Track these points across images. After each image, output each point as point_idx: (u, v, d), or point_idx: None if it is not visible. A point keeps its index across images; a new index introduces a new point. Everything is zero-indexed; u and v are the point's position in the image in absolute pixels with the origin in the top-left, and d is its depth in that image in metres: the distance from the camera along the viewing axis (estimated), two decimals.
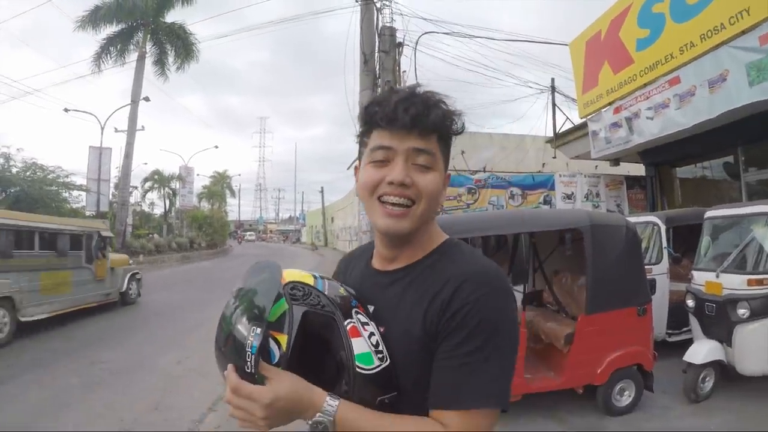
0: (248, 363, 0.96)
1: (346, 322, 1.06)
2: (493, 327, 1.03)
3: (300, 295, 1.06)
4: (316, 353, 1.08)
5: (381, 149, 1.13)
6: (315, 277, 1.13)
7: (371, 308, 1.17)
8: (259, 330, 0.96)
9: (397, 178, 1.09)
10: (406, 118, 1.08)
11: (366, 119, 1.18)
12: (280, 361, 1.00)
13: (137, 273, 13.21)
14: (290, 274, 1.11)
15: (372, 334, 1.08)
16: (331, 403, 1.00)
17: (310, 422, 1.00)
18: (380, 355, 1.07)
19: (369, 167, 1.15)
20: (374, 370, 1.05)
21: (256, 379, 0.98)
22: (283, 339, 1.01)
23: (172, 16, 26.56)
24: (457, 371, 1.01)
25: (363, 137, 1.20)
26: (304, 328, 1.03)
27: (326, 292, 1.09)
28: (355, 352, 1.04)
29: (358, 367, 1.03)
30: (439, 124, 1.12)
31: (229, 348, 1.02)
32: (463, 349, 1.01)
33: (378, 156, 1.13)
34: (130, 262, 14.10)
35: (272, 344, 1.01)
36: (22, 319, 8.67)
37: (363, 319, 1.10)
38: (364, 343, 1.06)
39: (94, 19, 23.97)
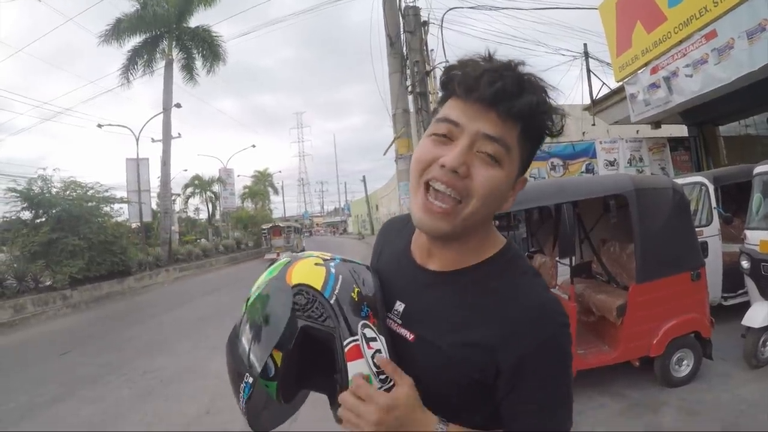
0: (239, 401, 1.04)
1: (346, 342, 0.97)
2: (558, 373, 0.99)
3: (303, 303, 0.99)
4: (323, 358, 1.02)
5: (446, 122, 0.95)
6: (327, 276, 1.03)
7: (401, 306, 1.07)
8: (250, 380, 1.00)
9: (450, 162, 0.91)
10: (488, 90, 0.90)
11: (443, 83, 0.99)
12: (276, 377, 1.00)
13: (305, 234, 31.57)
14: (299, 272, 1.03)
15: (378, 351, 0.99)
16: (442, 426, 0.96)
17: None
18: (382, 377, 0.98)
19: (428, 141, 0.98)
20: None
21: (247, 413, 1.04)
22: (278, 356, 0.99)
23: (195, 21, 26.72)
24: (537, 415, 0.97)
25: (439, 105, 1.03)
26: (306, 336, 0.99)
27: (334, 299, 0.99)
28: (351, 376, 0.96)
29: None
30: (527, 113, 0.92)
31: (230, 376, 1.08)
32: (531, 397, 0.96)
33: (440, 129, 0.96)
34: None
35: (269, 359, 1.00)
36: None
37: (370, 333, 1.00)
38: (365, 366, 0.97)
39: (116, 32, 24.22)
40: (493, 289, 1.00)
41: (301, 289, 1.00)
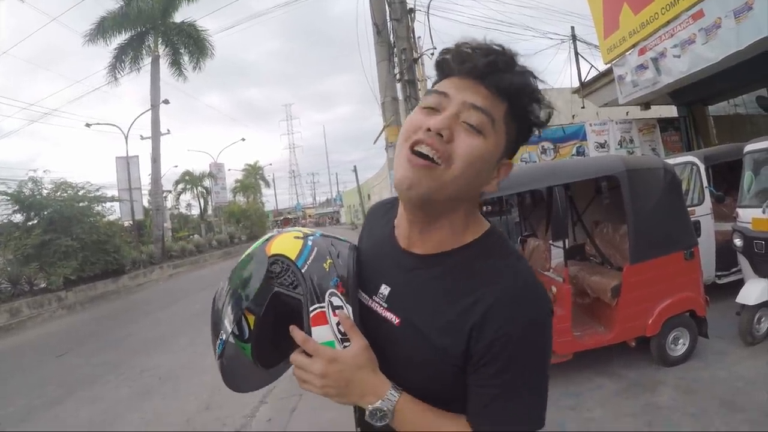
0: (215, 351, 1.09)
1: (312, 308, 1.01)
2: (531, 359, 0.96)
3: (277, 271, 1.04)
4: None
5: (435, 93, 0.98)
6: (303, 248, 1.07)
7: (387, 289, 1.08)
8: (223, 336, 1.06)
9: (435, 125, 0.92)
10: (480, 60, 0.94)
11: (438, 63, 1.02)
12: (250, 339, 1.07)
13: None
14: (279, 244, 1.09)
15: (345, 318, 1.02)
16: (394, 392, 0.98)
17: (369, 408, 0.98)
18: (346, 344, 1.01)
19: (417, 112, 1.00)
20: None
21: (221, 366, 1.10)
22: (252, 318, 1.07)
23: (179, 16, 26.59)
24: (497, 400, 0.95)
25: (433, 86, 1.04)
26: (279, 305, 1.05)
27: (305, 269, 1.03)
28: (318, 341, 1.01)
29: None
30: (515, 91, 0.95)
31: (211, 332, 1.12)
32: (501, 379, 0.94)
33: (429, 101, 0.98)
34: None
35: (244, 322, 1.08)
36: None
37: (337, 302, 1.03)
38: (329, 332, 1.01)
39: (102, 30, 24.09)
40: (477, 271, 1.00)
41: (277, 258, 1.05)
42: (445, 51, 1.00)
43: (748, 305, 5.01)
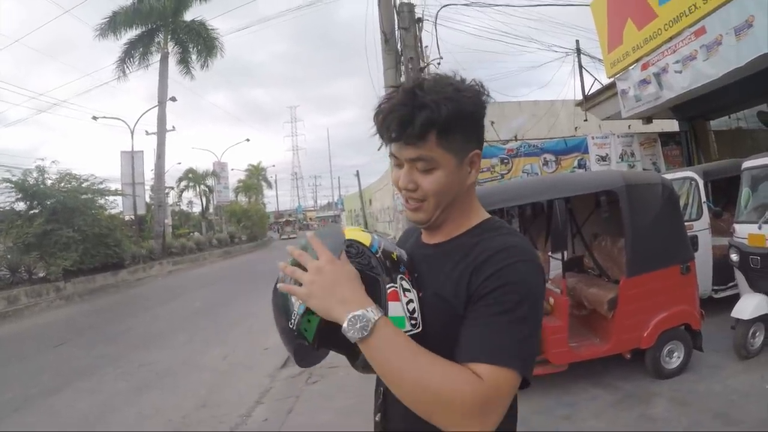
0: (292, 321, 1.12)
1: (388, 286, 1.12)
2: (521, 294, 1.05)
3: (354, 253, 1.15)
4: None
5: (392, 156, 1.20)
6: (373, 239, 1.20)
7: (415, 275, 1.23)
8: (298, 309, 1.12)
9: (402, 185, 1.19)
10: (391, 135, 1.14)
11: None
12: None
13: None
14: (350, 232, 1.21)
15: (411, 301, 1.13)
16: (376, 310, 1.03)
17: (349, 316, 1.01)
18: (413, 322, 1.12)
19: (394, 167, 1.23)
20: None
21: (296, 335, 1.12)
22: None
23: (190, 14, 26.71)
24: (486, 329, 1.03)
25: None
26: None
27: (378, 254, 1.16)
28: (390, 315, 1.07)
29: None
30: (428, 125, 1.10)
31: (279, 300, 1.17)
32: (493, 309, 1.04)
33: (394, 161, 1.21)
34: None
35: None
36: None
37: (406, 285, 1.16)
38: (400, 308, 1.11)
39: (113, 25, 24.27)
40: (476, 242, 1.17)
41: (351, 242, 1.16)
42: (374, 116, 1.18)
43: (742, 319, 5.07)
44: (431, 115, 1.10)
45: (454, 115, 1.11)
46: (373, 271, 1.13)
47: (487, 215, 1.29)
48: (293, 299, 1.11)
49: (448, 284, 1.14)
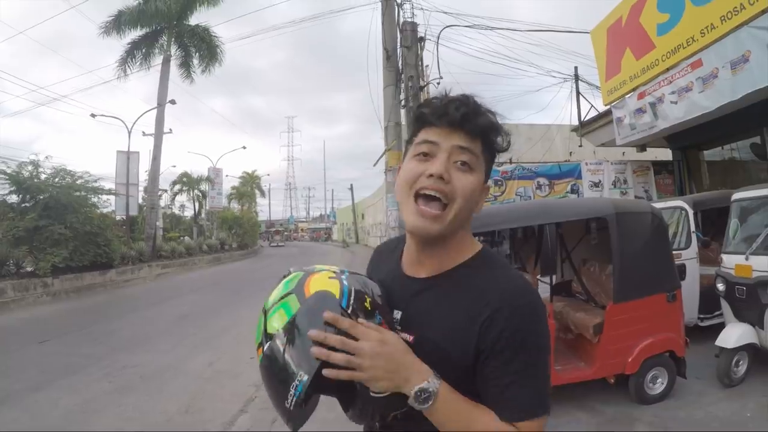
0: (289, 401, 1.00)
1: None
2: (538, 345, 1.08)
3: None
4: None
5: (426, 143, 1.15)
6: (342, 287, 1.10)
7: (399, 314, 1.20)
8: (305, 378, 0.99)
9: (437, 170, 1.10)
10: (456, 114, 1.12)
11: (415, 118, 1.22)
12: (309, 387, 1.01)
13: None
14: (317, 284, 1.10)
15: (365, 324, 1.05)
16: (436, 377, 1.04)
17: (415, 389, 1.01)
18: None
19: (411, 161, 1.17)
20: (384, 393, 1.04)
21: (291, 414, 1.02)
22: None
23: (195, 19, 26.77)
24: (517, 387, 1.05)
25: (411, 137, 1.23)
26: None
27: (350, 308, 1.06)
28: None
29: (371, 391, 1.03)
30: (486, 130, 1.15)
31: (276, 376, 1.05)
32: (516, 367, 1.05)
33: (422, 149, 1.15)
34: None
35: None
36: None
37: None
38: None
39: (117, 24, 24.28)
40: (479, 281, 1.14)
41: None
42: (422, 106, 1.21)
43: (727, 348, 5.15)
44: (494, 121, 1.17)
45: (499, 139, 1.19)
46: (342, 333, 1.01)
47: (480, 245, 1.26)
48: (294, 367, 1.01)
49: (447, 331, 1.11)
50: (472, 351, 1.08)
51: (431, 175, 1.11)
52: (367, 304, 1.10)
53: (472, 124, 1.13)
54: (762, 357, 5.29)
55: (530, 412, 1.05)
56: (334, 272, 1.16)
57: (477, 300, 1.10)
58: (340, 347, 0.99)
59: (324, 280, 1.11)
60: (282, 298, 1.10)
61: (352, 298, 1.08)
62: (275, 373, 1.04)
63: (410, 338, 1.12)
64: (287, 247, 58.65)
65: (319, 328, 1.00)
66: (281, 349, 1.04)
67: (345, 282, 1.11)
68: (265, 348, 1.07)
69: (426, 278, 1.22)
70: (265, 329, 1.09)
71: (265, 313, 1.12)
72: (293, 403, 1.00)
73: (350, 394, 1.09)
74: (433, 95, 1.22)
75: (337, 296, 1.07)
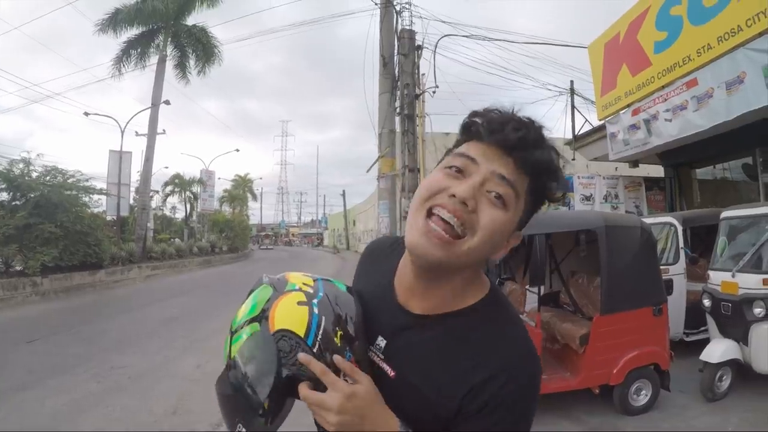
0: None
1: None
2: (522, 418, 0.98)
3: (287, 351, 0.95)
4: None
5: (463, 156, 0.96)
6: (311, 320, 0.98)
7: (383, 342, 1.07)
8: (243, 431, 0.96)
9: (461, 193, 0.91)
10: (512, 135, 0.93)
11: (463, 127, 1.01)
12: (267, 417, 0.96)
13: None
14: (282, 315, 0.99)
15: (341, 361, 0.97)
16: (403, 427, 0.97)
17: None
18: None
19: (440, 172, 0.98)
20: None
21: None
22: (266, 404, 0.96)
23: (192, 19, 26.75)
24: None
25: (453, 146, 1.04)
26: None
27: (317, 348, 0.96)
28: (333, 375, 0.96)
29: None
30: (540, 167, 0.96)
31: (227, 404, 1.02)
32: (499, 429, 0.94)
33: (457, 162, 0.97)
34: None
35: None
36: None
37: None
38: None
39: (114, 22, 24.22)
40: (476, 337, 1.00)
41: (283, 335, 0.96)
42: (475, 114, 1.00)
43: (711, 363, 5.22)
44: (554, 161, 0.98)
45: (551, 186, 1.00)
46: (308, 374, 0.94)
47: (488, 288, 1.09)
48: (250, 391, 0.95)
49: (432, 381, 0.99)
50: (454, 408, 0.96)
51: (453, 196, 0.92)
52: (338, 339, 0.99)
53: (526, 153, 0.93)
54: (745, 372, 5.35)
55: None
56: (306, 293, 1.04)
57: (473, 357, 0.98)
58: (307, 401, 0.94)
59: (291, 309, 1.00)
60: (247, 323, 1.02)
61: (320, 333, 0.97)
62: (227, 401, 1.02)
63: (391, 373, 1.04)
64: (277, 251, 58.71)
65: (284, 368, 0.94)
66: (236, 383, 0.98)
67: (315, 310, 1.00)
68: (230, 373, 1.00)
69: (418, 315, 1.06)
70: (230, 353, 1.02)
71: (231, 335, 1.04)
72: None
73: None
74: (494, 106, 1.00)
75: (303, 333, 0.97)
